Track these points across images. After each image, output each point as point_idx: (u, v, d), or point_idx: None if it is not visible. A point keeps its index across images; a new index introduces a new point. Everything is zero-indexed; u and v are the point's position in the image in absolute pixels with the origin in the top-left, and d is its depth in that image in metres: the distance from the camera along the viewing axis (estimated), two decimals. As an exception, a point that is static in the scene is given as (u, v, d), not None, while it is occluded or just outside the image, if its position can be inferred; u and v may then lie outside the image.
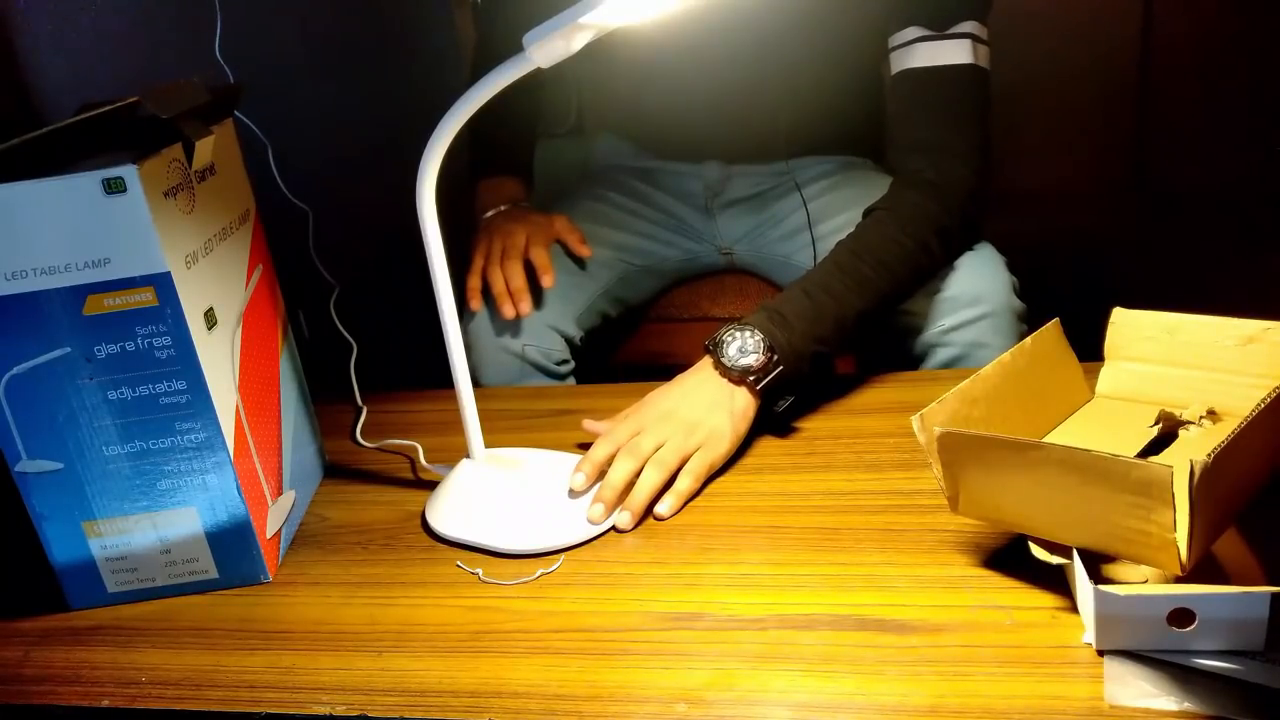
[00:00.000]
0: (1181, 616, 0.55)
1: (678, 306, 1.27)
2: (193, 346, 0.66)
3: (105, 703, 0.63)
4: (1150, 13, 1.75)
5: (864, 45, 1.12)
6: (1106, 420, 0.74)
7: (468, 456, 0.81)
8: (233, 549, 0.72)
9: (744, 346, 0.83)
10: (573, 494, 0.77)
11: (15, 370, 0.65)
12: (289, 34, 1.52)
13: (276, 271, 0.83)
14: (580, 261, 1.14)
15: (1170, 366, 0.74)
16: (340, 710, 0.60)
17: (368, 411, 0.97)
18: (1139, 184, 1.84)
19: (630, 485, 0.77)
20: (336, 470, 0.89)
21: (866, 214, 0.95)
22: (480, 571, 0.72)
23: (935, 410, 0.65)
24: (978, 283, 0.98)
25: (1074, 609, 0.61)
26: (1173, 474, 0.52)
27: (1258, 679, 0.54)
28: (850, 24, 1.10)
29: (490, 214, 1.15)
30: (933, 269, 0.95)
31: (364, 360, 0.98)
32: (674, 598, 0.67)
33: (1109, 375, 0.77)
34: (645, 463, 0.78)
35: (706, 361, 0.85)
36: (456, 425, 0.80)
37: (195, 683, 0.64)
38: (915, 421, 0.64)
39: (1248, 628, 0.54)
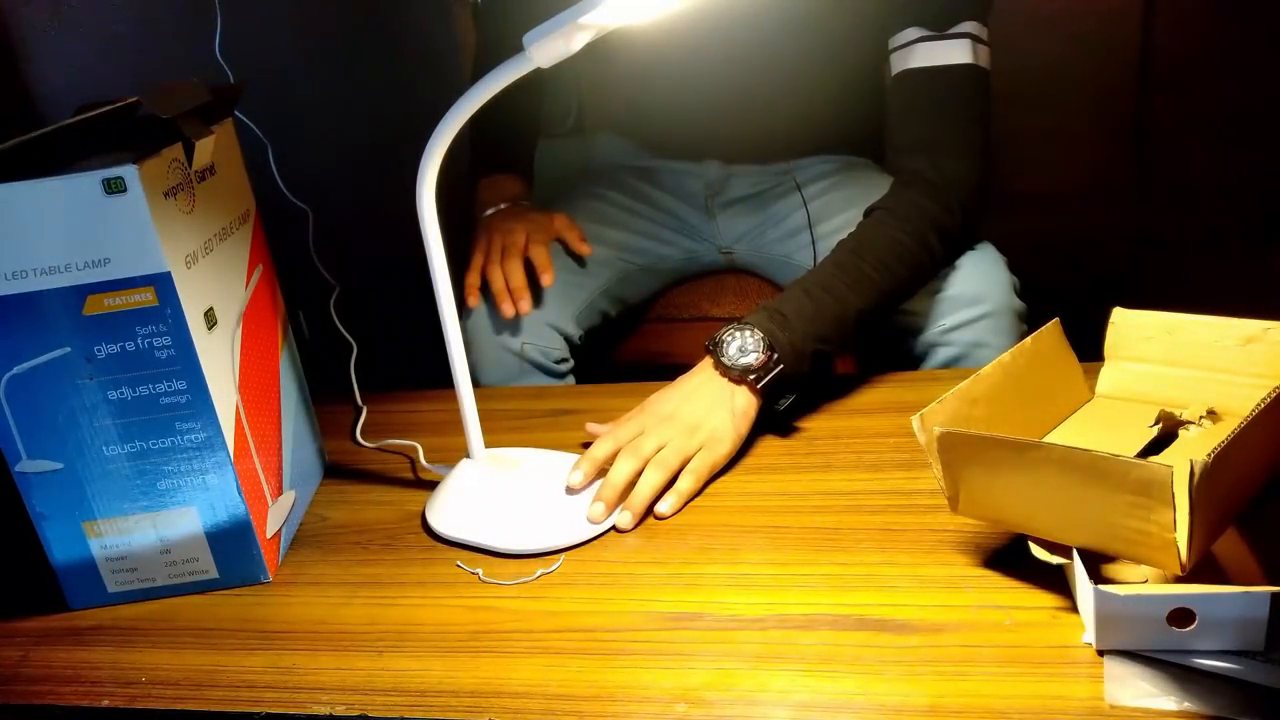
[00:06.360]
0: (1181, 616, 0.55)
1: (678, 306, 1.27)
2: (193, 346, 0.66)
3: (105, 703, 0.63)
4: (1150, 13, 1.75)
5: (864, 45, 1.12)
6: (1106, 420, 0.74)
7: (468, 456, 0.81)
8: (233, 549, 0.72)
9: (744, 346, 0.83)
10: (570, 491, 0.77)
11: (15, 370, 0.65)
12: (289, 34, 1.52)
13: (276, 271, 0.83)
14: (580, 260, 1.14)
15: (1170, 366, 0.74)
16: (340, 710, 0.60)
17: (368, 411, 0.97)
18: (1138, 184, 1.84)
19: (631, 485, 0.77)
20: (336, 470, 0.89)
21: (867, 214, 0.95)
22: (480, 571, 0.72)
23: (935, 410, 0.65)
24: (978, 282, 0.98)
25: (1074, 609, 0.61)
26: (1173, 474, 0.52)
27: (1258, 679, 0.54)
28: (850, 24, 1.10)
29: (490, 212, 1.15)
30: (933, 268, 0.95)
31: (364, 360, 0.98)
32: (674, 598, 0.67)
33: (1109, 375, 0.77)
34: (646, 463, 0.78)
35: (707, 362, 0.85)
36: (456, 425, 0.80)
37: (195, 683, 0.64)
38: (915, 421, 0.64)
39: (1248, 627, 0.54)
